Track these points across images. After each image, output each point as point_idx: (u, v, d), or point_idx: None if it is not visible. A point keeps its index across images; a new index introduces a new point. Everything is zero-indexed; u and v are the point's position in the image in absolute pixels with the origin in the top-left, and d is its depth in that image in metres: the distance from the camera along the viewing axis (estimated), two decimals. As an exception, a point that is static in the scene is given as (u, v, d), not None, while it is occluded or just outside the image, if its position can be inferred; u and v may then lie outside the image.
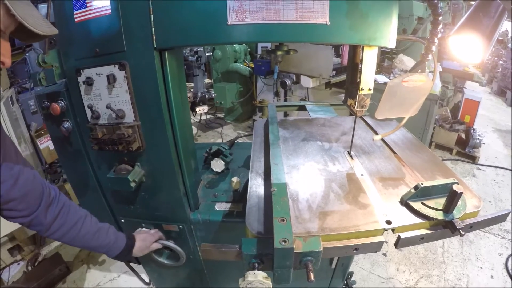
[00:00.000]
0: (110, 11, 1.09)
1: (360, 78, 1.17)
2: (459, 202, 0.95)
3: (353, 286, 2.22)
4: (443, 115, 5.03)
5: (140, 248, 1.42)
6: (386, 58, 4.87)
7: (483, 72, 7.48)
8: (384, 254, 3.09)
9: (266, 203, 1.06)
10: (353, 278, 2.28)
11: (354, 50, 1.41)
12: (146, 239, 1.46)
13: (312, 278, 0.82)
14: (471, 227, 0.99)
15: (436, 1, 1.01)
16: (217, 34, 1.05)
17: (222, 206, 1.55)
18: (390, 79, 3.84)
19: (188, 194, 1.47)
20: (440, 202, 0.98)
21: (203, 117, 6.27)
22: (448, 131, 4.88)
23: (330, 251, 0.90)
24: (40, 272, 2.78)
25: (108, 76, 1.17)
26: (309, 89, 4.58)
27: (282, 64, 4.40)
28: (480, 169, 4.66)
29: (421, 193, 1.00)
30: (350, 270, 1.99)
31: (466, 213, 0.98)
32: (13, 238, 2.95)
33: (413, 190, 1.01)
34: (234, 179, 1.50)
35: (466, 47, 1.09)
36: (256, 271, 0.85)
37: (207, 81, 5.87)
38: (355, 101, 1.24)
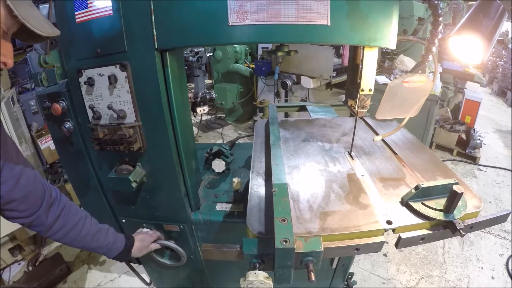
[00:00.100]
0: (111, 11, 1.09)
1: (360, 78, 1.17)
2: (460, 203, 0.96)
3: (353, 287, 2.22)
4: (444, 115, 5.03)
5: (138, 249, 1.43)
6: (386, 59, 4.88)
7: (483, 73, 7.48)
8: (385, 255, 3.09)
9: (267, 203, 1.07)
10: (353, 279, 2.27)
11: (355, 51, 1.41)
12: (144, 239, 1.47)
13: (313, 278, 0.82)
14: (471, 228, 0.99)
15: (436, 2, 1.01)
16: (218, 34, 1.06)
17: (223, 207, 1.55)
18: (390, 80, 3.85)
19: (189, 195, 1.47)
20: (441, 202, 0.98)
21: (204, 118, 6.28)
22: (449, 131, 4.88)
23: (331, 251, 0.90)
24: (40, 272, 2.78)
25: (109, 77, 1.17)
26: (310, 90, 4.58)
27: (283, 64, 4.40)
28: (480, 170, 4.66)
29: (422, 193, 1.00)
30: (350, 270, 1.99)
31: (466, 213, 0.98)
32: (14, 238, 2.95)
33: (413, 191, 1.01)
34: (235, 180, 1.50)
35: (467, 47, 1.09)
36: (257, 271, 0.85)
37: (207, 81, 5.86)
38: (356, 102, 1.24)
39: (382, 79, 4.14)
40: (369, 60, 1.13)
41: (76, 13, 1.13)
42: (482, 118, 6.22)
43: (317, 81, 4.27)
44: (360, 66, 1.17)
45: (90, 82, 1.21)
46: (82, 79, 1.23)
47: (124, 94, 1.21)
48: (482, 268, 2.94)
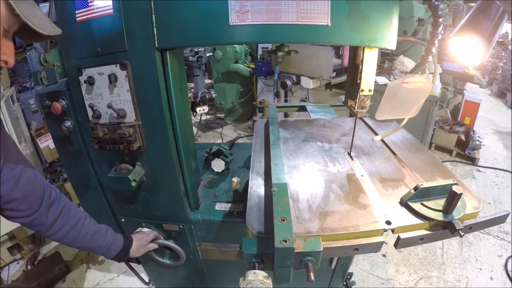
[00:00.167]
0: (112, 10, 1.09)
1: (360, 79, 1.18)
2: (459, 203, 0.96)
3: (352, 287, 2.22)
4: (443, 116, 5.04)
5: (136, 248, 1.43)
6: (386, 60, 4.89)
7: (483, 74, 7.48)
8: (384, 255, 3.10)
9: (267, 203, 1.07)
10: (352, 279, 2.28)
11: (355, 51, 1.42)
12: (141, 238, 1.47)
13: (312, 278, 0.82)
14: (470, 228, 0.99)
15: (436, 3, 1.01)
16: (219, 34, 1.06)
17: (222, 206, 1.55)
18: (390, 81, 3.85)
19: (188, 194, 1.47)
20: (440, 203, 0.99)
21: (203, 118, 6.28)
22: (448, 132, 4.88)
23: (330, 251, 0.90)
24: (39, 271, 2.78)
25: (109, 76, 1.17)
26: (310, 90, 4.58)
27: (283, 65, 4.41)
28: (479, 171, 4.67)
29: (421, 194, 1.01)
30: (349, 270, 1.99)
31: (465, 214, 0.98)
32: (13, 237, 2.95)
33: (412, 191, 1.01)
34: (235, 179, 1.50)
35: (466, 48, 1.10)
36: (256, 271, 0.85)
37: (207, 81, 5.86)
38: (356, 102, 1.24)
39: (382, 79, 4.14)
40: (369, 60, 1.14)
41: (76, 12, 1.13)
42: (482, 119, 6.23)
43: (316, 82, 4.27)
44: (360, 67, 1.17)
45: (90, 81, 1.21)
46: (82, 78, 1.23)
47: (124, 93, 1.21)
48: (481, 269, 2.95)
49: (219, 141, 5.61)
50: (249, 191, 1.14)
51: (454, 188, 0.92)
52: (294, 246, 0.81)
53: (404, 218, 0.98)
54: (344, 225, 0.95)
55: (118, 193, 1.50)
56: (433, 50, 1.12)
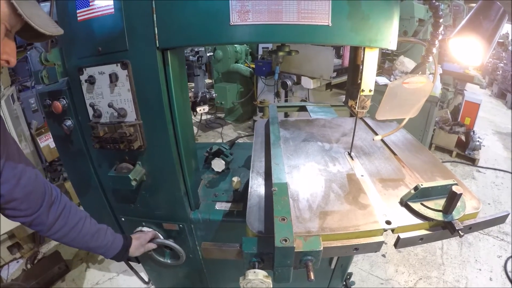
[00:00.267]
0: (113, 10, 1.09)
1: (361, 79, 1.18)
2: (459, 203, 0.96)
3: (352, 287, 2.22)
4: (443, 117, 5.04)
5: (135, 247, 1.43)
6: (387, 60, 4.89)
7: (483, 75, 7.50)
8: (383, 255, 3.10)
9: (267, 202, 1.07)
10: (352, 279, 2.28)
11: (355, 52, 1.42)
12: (140, 237, 1.47)
13: (312, 277, 0.82)
14: (470, 228, 0.99)
15: (437, 3, 1.01)
16: (220, 34, 1.06)
17: (222, 206, 1.55)
18: (390, 81, 3.85)
19: (188, 194, 1.47)
20: (440, 203, 0.99)
21: (204, 117, 6.28)
22: (448, 133, 4.88)
23: (330, 251, 0.90)
24: (39, 270, 2.78)
25: (110, 75, 1.18)
26: (310, 90, 4.59)
27: (283, 65, 4.41)
28: (479, 171, 4.67)
29: (421, 194, 1.01)
30: (349, 270, 1.99)
31: (465, 214, 0.99)
32: (12, 236, 2.95)
33: (412, 191, 1.02)
34: (235, 179, 1.50)
35: (467, 49, 1.10)
36: (256, 270, 0.86)
37: (207, 81, 5.88)
38: (356, 102, 1.24)
39: (382, 80, 4.14)
40: (370, 60, 1.14)
41: (77, 11, 1.13)
42: (482, 120, 6.23)
43: (317, 82, 4.28)
44: (361, 67, 1.17)
45: (91, 80, 1.21)
46: (83, 77, 1.23)
47: (125, 93, 1.21)
48: (480, 270, 2.95)
49: (219, 140, 5.62)
50: (249, 191, 1.15)
51: (454, 188, 0.92)
52: (294, 246, 0.81)
53: (404, 218, 0.99)
54: (344, 224, 0.95)
55: (119, 193, 1.50)
56: (434, 50, 1.12)
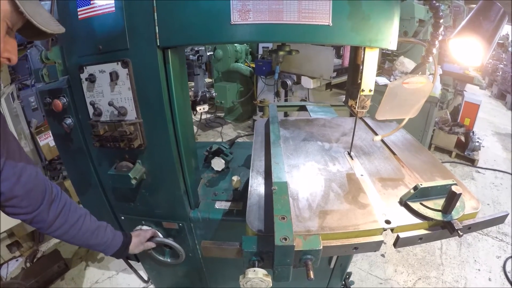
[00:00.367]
0: (114, 8, 1.09)
1: (361, 79, 1.18)
2: (458, 203, 0.96)
3: (351, 287, 2.22)
4: (443, 117, 5.05)
5: (135, 245, 1.43)
6: (387, 60, 4.89)
7: (483, 75, 7.51)
8: (383, 255, 3.10)
9: (267, 201, 1.07)
10: (351, 279, 2.28)
11: (356, 51, 1.42)
12: (140, 234, 1.48)
13: (312, 276, 0.82)
14: (469, 228, 1.00)
15: (437, 4, 1.01)
16: (220, 33, 1.06)
17: (222, 205, 1.56)
18: (390, 81, 3.85)
19: (188, 192, 1.48)
20: (439, 203, 0.99)
21: (203, 116, 6.28)
22: (448, 133, 4.89)
23: (330, 250, 0.91)
24: (38, 268, 2.78)
25: (110, 74, 1.18)
26: (310, 90, 4.59)
27: (283, 64, 4.41)
28: (479, 172, 4.68)
29: (420, 193, 1.01)
30: (348, 270, 2.00)
31: (464, 214, 0.99)
32: (12, 234, 2.95)
33: (412, 191, 1.02)
34: (235, 178, 1.50)
35: (467, 50, 1.10)
36: (256, 269, 0.86)
37: (207, 80, 5.87)
38: (356, 102, 1.24)
39: (382, 80, 4.15)
40: (370, 60, 1.14)
41: (78, 9, 1.13)
42: (481, 120, 6.24)
43: (317, 81, 4.28)
44: (361, 67, 1.17)
45: (92, 79, 1.21)
46: (83, 76, 1.23)
47: (125, 91, 1.22)
48: (479, 270, 2.95)
49: (219, 140, 5.62)
50: (249, 190, 1.15)
51: (453, 188, 0.92)
52: (294, 244, 0.81)
53: (404, 217, 0.99)
54: (344, 224, 0.96)
55: (118, 191, 1.50)
56: (434, 51, 1.13)
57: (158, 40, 1.10)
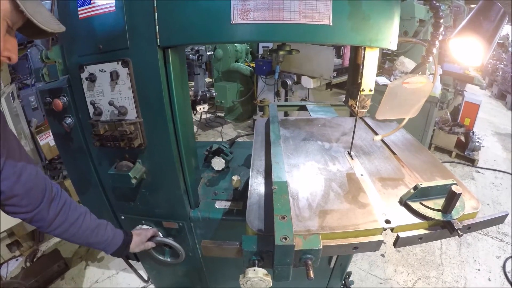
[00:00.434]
0: (114, 8, 1.09)
1: (361, 79, 1.18)
2: (458, 203, 0.96)
3: (351, 286, 2.23)
4: (443, 117, 5.05)
5: (136, 244, 1.43)
6: (387, 60, 4.89)
7: (483, 76, 7.51)
8: (382, 255, 3.10)
9: (267, 201, 1.07)
10: (351, 278, 2.28)
11: (356, 51, 1.42)
12: (141, 233, 1.48)
13: (312, 276, 0.82)
14: (469, 228, 1.00)
15: (437, 4, 1.01)
16: (221, 33, 1.06)
17: (222, 204, 1.56)
18: (391, 81, 3.86)
19: (188, 192, 1.48)
20: (439, 202, 0.99)
21: (203, 116, 6.28)
22: (448, 133, 4.89)
23: (330, 249, 0.91)
24: (38, 268, 2.78)
25: (111, 73, 1.18)
26: (310, 90, 4.59)
27: (283, 64, 4.40)
28: (479, 172, 4.68)
29: (420, 193, 1.01)
30: (348, 270, 2.00)
31: (464, 214, 0.99)
32: (12, 234, 2.95)
33: (412, 191, 1.02)
34: (235, 178, 1.50)
35: (467, 49, 1.10)
36: (256, 268, 0.86)
37: (207, 80, 5.87)
38: (356, 102, 1.24)
39: (382, 80, 4.14)
40: (370, 60, 1.14)
41: (79, 9, 1.13)
42: (481, 120, 6.24)
43: (317, 81, 4.28)
44: (361, 67, 1.18)
45: (92, 78, 1.21)
46: (83, 75, 1.23)
47: (125, 91, 1.22)
48: (479, 270, 2.96)
49: (219, 139, 5.62)
50: (249, 189, 1.15)
51: (453, 188, 0.92)
52: (294, 244, 0.81)
53: (403, 217, 0.99)
54: (344, 223, 0.96)
55: (118, 191, 1.50)
56: (434, 50, 1.13)
57: (158, 40, 1.10)
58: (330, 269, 1.79)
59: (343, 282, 2.12)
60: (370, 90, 1.20)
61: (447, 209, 0.95)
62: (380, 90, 1.36)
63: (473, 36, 1.05)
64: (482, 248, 3.22)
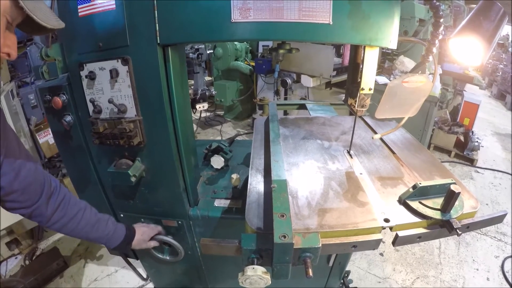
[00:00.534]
0: (114, 6, 1.09)
1: (361, 78, 1.18)
2: (457, 202, 0.96)
3: (349, 285, 2.23)
4: (443, 117, 5.05)
5: (138, 242, 1.43)
6: (387, 59, 4.89)
7: (483, 76, 7.52)
8: (381, 254, 3.11)
9: (266, 199, 1.07)
10: (349, 277, 2.29)
11: (356, 50, 1.42)
12: (145, 232, 1.48)
13: (311, 274, 0.83)
14: (468, 227, 1.00)
15: (437, 4, 1.01)
16: (221, 31, 1.06)
17: (221, 203, 1.56)
18: (390, 80, 3.85)
19: (187, 190, 1.48)
20: (438, 202, 0.99)
21: (203, 115, 6.28)
22: (447, 133, 4.90)
23: (329, 248, 0.91)
24: (37, 266, 2.79)
25: (111, 71, 1.18)
26: (310, 89, 4.59)
27: (283, 63, 4.40)
28: (478, 172, 4.69)
29: (419, 192, 1.01)
30: (347, 269, 2.00)
31: (463, 213, 0.99)
32: (11, 232, 2.95)
33: (411, 190, 1.02)
34: (234, 176, 1.51)
35: (467, 49, 1.10)
36: (255, 266, 0.86)
37: (207, 78, 5.88)
38: (356, 101, 1.25)
39: (382, 79, 4.15)
40: (370, 59, 1.14)
41: (79, 6, 1.13)
42: (481, 120, 6.26)
43: (317, 80, 4.28)
44: (361, 66, 1.18)
45: (91, 76, 1.21)
46: (83, 73, 1.23)
47: (125, 89, 1.22)
48: (477, 269, 2.97)
49: (219, 138, 5.62)
50: (248, 187, 1.15)
51: (452, 187, 0.92)
52: (293, 242, 0.81)
53: (402, 216, 0.99)
54: (343, 222, 0.96)
55: (118, 189, 1.50)
56: (434, 50, 1.13)
57: (158, 38, 1.10)
58: (329, 267, 1.79)
59: (342, 281, 2.13)
60: (370, 89, 1.20)
61: (446, 208, 0.96)
62: (379, 89, 1.36)
63: (473, 36, 1.05)
64: (480, 247, 3.23)
